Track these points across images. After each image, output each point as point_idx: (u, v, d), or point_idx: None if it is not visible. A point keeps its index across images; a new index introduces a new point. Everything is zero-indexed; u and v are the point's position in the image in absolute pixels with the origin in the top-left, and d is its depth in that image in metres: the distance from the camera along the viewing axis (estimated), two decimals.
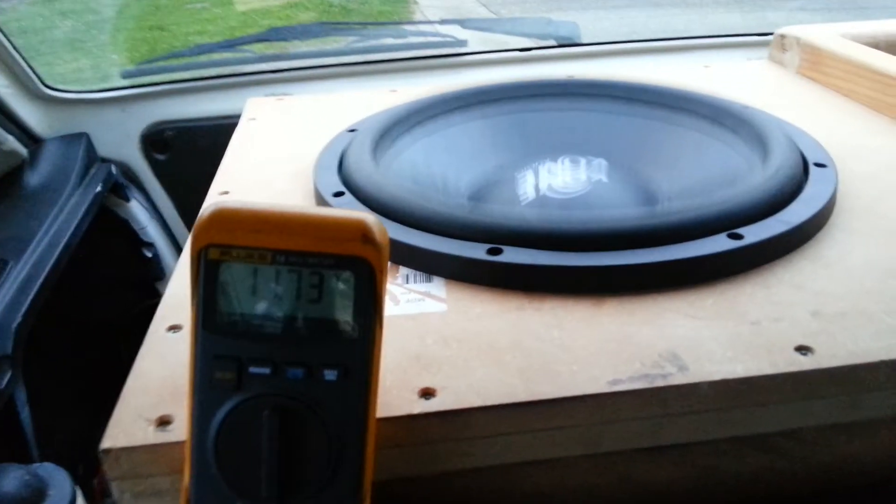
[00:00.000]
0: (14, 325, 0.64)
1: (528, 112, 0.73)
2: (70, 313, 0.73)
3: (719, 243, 0.46)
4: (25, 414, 0.66)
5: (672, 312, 0.43)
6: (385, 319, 0.43)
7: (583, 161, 0.64)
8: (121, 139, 0.93)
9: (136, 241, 0.95)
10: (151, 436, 0.35)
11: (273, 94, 0.88)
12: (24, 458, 0.65)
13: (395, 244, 0.49)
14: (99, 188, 0.85)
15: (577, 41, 0.99)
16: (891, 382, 0.39)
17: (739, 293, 0.44)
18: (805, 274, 0.46)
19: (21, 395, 0.66)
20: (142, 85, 0.93)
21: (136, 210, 0.96)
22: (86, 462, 0.63)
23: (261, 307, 0.33)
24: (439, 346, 0.41)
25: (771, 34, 0.91)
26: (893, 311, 0.42)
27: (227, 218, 0.32)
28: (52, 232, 0.74)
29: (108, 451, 0.35)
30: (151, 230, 0.96)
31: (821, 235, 0.50)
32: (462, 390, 0.37)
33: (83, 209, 0.80)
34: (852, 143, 0.65)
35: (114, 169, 0.90)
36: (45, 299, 0.70)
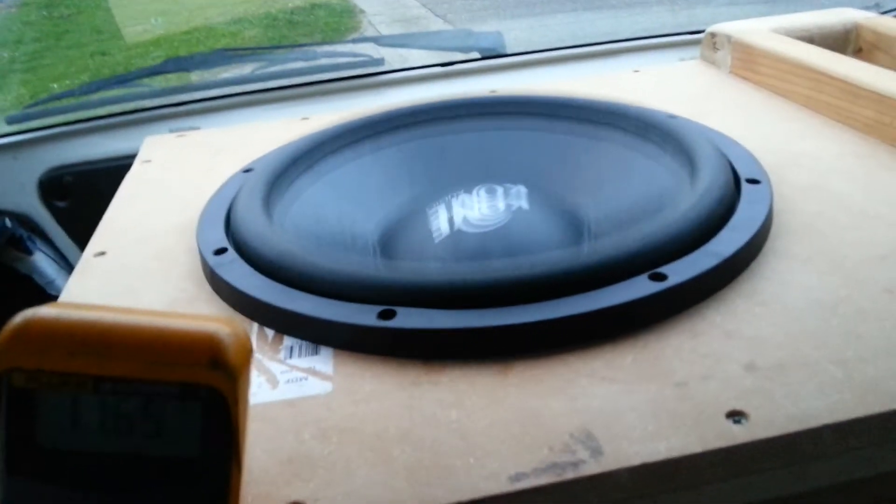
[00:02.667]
0: None
1: (444, 136, 0.67)
2: None
3: (640, 287, 0.41)
4: None
5: (586, 377, 0.37)
6: (258, 409, 0.37)
7: (500, 190, 0.58)
8: (16, 188, 0.85)
9: (43, 296, 0.88)
10: None
11: (178, 129, 0.81)
12: None
13: (278, 312, 0.43)
14: None
15: (502, 52, 0.93)
16: (837, 447, 0.34)
17: (664, 346, 0.39)
18: (738, 316, 0.41)
19: None
20: (33, 129, 0.85)
21: (42, 263, 0.88)
22: None
23: (84, 446, 0.26)
24: (318, 443, 0.35)
25: (702, 32, 0.87)
26: (837, 359, 0.37)
27: (37, 334, 0.26)
28: None
29: None
30: (62, 282, 0.89)
31: (756, 265, 0.45)
32: (334, 499, 0.31)
33: None
34: (788, 149, 0.61)
35: (8, 222, 0.83)
36: None
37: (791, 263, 0.45)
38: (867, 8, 0.86)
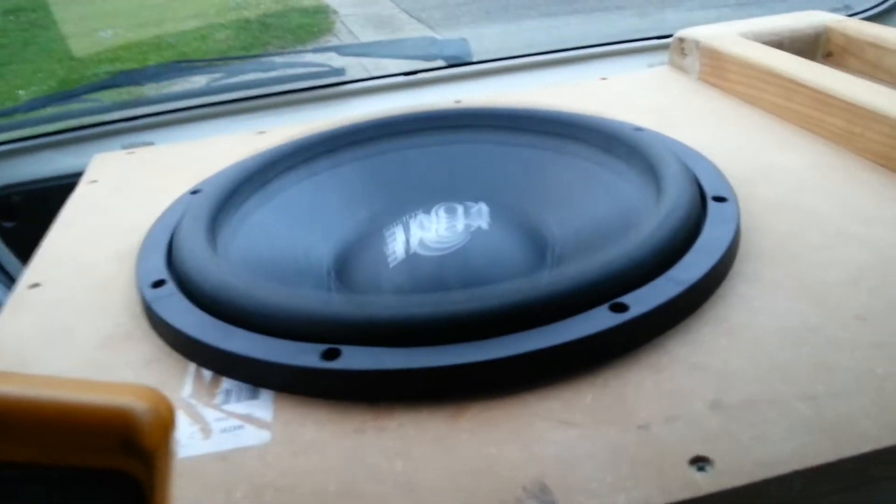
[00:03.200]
0: None
1: (404, 150, 0.64)
2: None
3: (600, 319, 0.38)
4: None
5: (543, 420, 0.35)
6: (187, 464, 0.34)
7: (460, 209, 0.56)
8: None
9: None
10: None
11: (132, 144, 0.78)
12: None
13: (216, 351, 0.40)
14: None
15: (467, 60, 0.91)
16: (806, 493, 0.32)
17: (625, 383, 0.37)
18: (704, 347, 0.39)
19: None
20: None
21: None
22: None
23: None
24: (250, 503, 0.32)
25: (671, 36, 0.85)
26: (807, 395, 0.35)
27: None
28: None
29: None
30: None
31: (722, 290, 0.43)
32: None
33: None
34: (757, 161, 0.59)
35: None
36: None
37: (759, 288, 0.43)
38: (836, 10, 0.84)
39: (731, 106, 0.71)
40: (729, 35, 0.79)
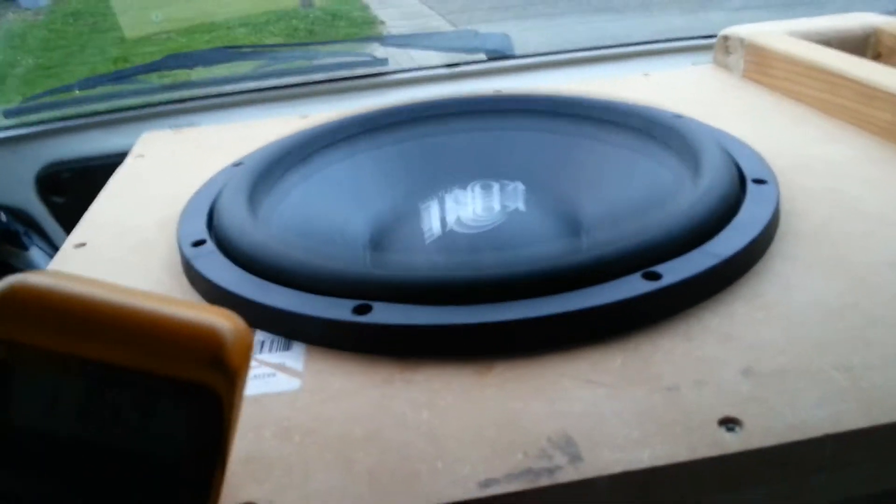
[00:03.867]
0: None
1: (444, 134, 0.65)
2: None
3: (632, 286, 0.38)
4: None
5: (570, 379, 0.35)
6: None
7: (496, 186, 0.56)
8: (13, 183, 0.84)
9: None
10: None
11: (177, 126, 0.79)
12: None
13: (251, 305, 0.40)
14: None
15: (509, 53, 0.91)
16: (839, 460, 0.31)
17: (655, 349, 0.36)
18: (737, 320, 0.38)
19: None
20: (31, 123, 0.84)
21: (38, 258, 0.87)
22: None
23: (62, 431, 0.24)
24: (278, 442, 0.32)
25: (715, 36, 0.84)
26: (843, 366, 0.34)
27: (23, 304, 0.23)
28: None
29: None
30: None
31: (759, 268, 0.43)
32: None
33: None
34: (800, 152, 0.58)
35: (3, 216, 0.82)
36: None
37: (797, 267, 0.43)
38: (888, 13, 0.83)
39: (775, 101, 0.70)
40: (774, 33, 0.78)
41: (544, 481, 0.29)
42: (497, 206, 0.54)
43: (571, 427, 0.32)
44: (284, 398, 0.35)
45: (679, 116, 0.60)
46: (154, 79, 0.87)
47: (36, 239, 0.87)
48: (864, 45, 0.80)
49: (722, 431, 0.31)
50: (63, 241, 0.79)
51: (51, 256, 0.85)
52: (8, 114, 0.86)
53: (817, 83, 0.67)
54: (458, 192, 0.55)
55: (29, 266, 0.86)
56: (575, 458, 0.30)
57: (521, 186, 0.56)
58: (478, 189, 0.55)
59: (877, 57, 0.80)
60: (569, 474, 0.29)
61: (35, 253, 0.86)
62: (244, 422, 0.34)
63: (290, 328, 0.39)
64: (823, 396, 0.32)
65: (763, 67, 0.76)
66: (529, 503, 0.29)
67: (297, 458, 0.31)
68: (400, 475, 0.30)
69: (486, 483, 0.29)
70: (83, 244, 0.53)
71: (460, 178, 0.60)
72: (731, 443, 0.30)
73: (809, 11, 0.86)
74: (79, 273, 0.47)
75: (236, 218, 0.47)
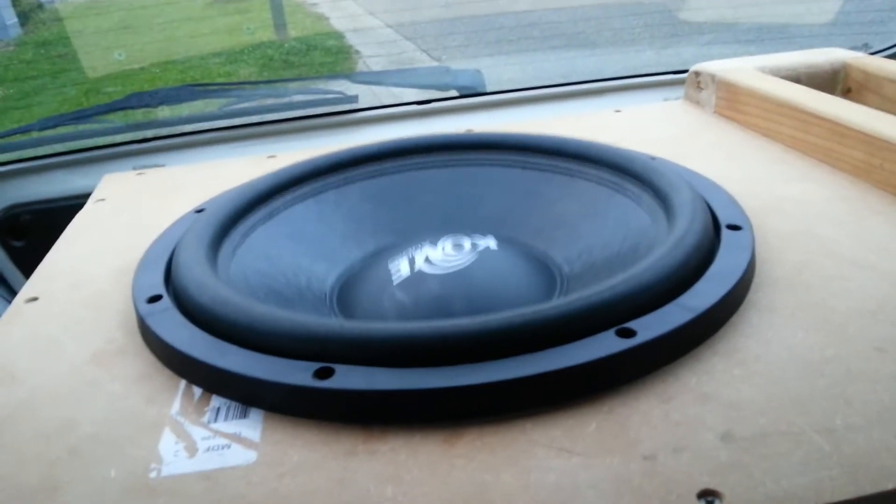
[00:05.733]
0: None
1: (414, 173, 0.63)
2: None
3: (605, 344, 0.37)
4: None
5: (542, 447, 0.33)
6: (169, 482, 0.32)
7: (467, 241, 0.54)
8: None
9: None
10: None
11: (143, 167, 0.77)
12: None
13: (207, 368, 0.38)
14: None
15: (481, 90, 0.90)
16: None
17: (631, 411, 0.35)
18: (715, 377, 0.37)
19: None
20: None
21: None
22: None
23: None
24: None
25: (686, 71, 0.84)
26: (824, 428, 0.33)
27: None
28: None
29: None
30: None
31: (735, 320, 0.41)
32: None
33: None
34: (773, 193, 0.57)
35: None
36: None
37: (774, 318, 0.41)
38: (855, 49, 0.83)
39: (747, 139, 0.70)
40: (745, 69, 0.78)
41: None
42: (468, 246, 0.53)
43: (545, 502, 0.30)
44: (239, 473, 0.33)
45: (653, 158, 0.59)
46: (118, 118, 0.85)
47: None
48: (833, 80, 0.80)
49: None
50: (21, 286, 0.77)
51: (8, 303, 0.82)
52: None
53: (789, 121, 0.67)
54: (427, 248, 0.53)
55: None
56: None
57: (492, 240, 0.54)
58: (448, 245, 0.53)
59: (846, 92, 0.81)
60: None
61: None
62: (195, 499, 0.31)
63: (247, 393, 0.37)
64: (805, 462, 0.31)
65: (735, 104, 0.75)
66: None
67: None
68: None
69: None
70: (35, 298, 0.50)
71: (431, 222, 0.58)
72: None
73: (779, 46, 0.86)
74: (27, 332, 0.45)
75: (194, 272, 0.45)
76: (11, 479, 0.34)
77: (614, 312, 0.38)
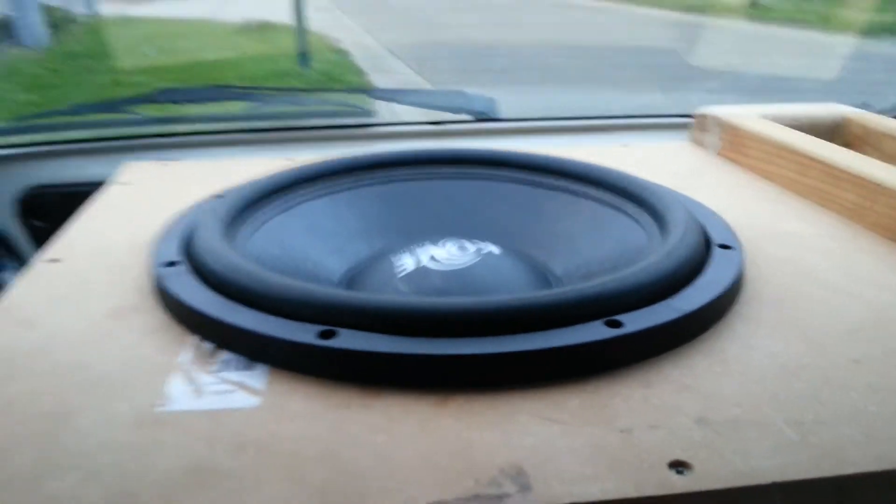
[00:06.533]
0: None
1: (423, 182, 0.66)
2: None
3: (593, 331, 0.39)
4: None
5: (527, 415, 0.35)
6: (174, 417, 0.34)
7: (471, 245, 0.56)
8: None
9: None
10: None
11: (163, 160, 0.80)
12: None
13: (217, 324, 0.41)
14: None
15: (494, 116, 0.94)
16: None
17: (613, 394, 0.37)
18: (696, 372, 0.39)
19: None
20: (16, 145, 0.85)
21: (9, 281, 0.86)
22: None
23: None
24: (229, 455, 0.32)
25: (691, 116, 0.87)
26: (795, 421, 0.35)
27: None
28: None
29: None
30: None
31: (720, 327, 0.44)
32: None
33: None
34: (767, 225, 0.60)
35: None
36: None
37: (758, 329, 0.44)
38: (857, 105, 0.87)
39: (747, 179, 0.73)
40: (749, 115, 0.81)
41: None
42: (472, 249, 0.55)
43: (524, 460, 0.32)
44: (241, 415, 0.35)
45: (652, 184, 0.62)
46: (142, 111, 0.88)
47: (11, 263, 0.86)
48: (833, 132, 0.83)
49: (671, 473, 0.31)
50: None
51: None
52: (12, 129, 0.86)
53: (787, 163, 0.70)
54: (430, 248, 0.56)
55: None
56: (525, 488, 0.30)
57: (494, 248, 0.56)
58: (450, 246, 0.56)
59: (846, 146, 0.84)
60: (516, 502, 0.29)
61: (7, 276, 0.86)
62: (200, 431, 0.33)
63: (254, 349, 0.39)
64: (774, 448, 0.33)
65: (737, 146, 0.78)
66: None
67: (248, 471, 0.31)
68: (350, 492, 0.30)
69: None
70: (56, 260, 0.53)
71: (437, 230, 0.61)
72: (679, 484, 0.31)
73: (782, 98, 0.90)
74: (48, 288, 0.47)
75: (210, 241, 0.47)
76: (27, 403, 0.36)
77: (604, 305, 0.40)
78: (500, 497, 0.30)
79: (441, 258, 0.53)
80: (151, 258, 0.49)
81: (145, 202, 0.65)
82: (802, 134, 0.73)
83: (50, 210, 0.85)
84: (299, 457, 0.32)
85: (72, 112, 0.89)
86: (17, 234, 0.87)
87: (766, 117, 0.81)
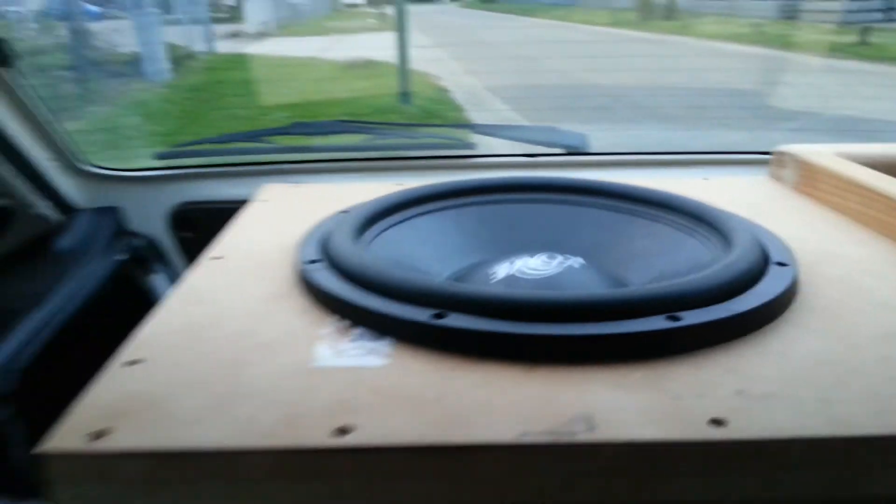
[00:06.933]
0: (20, 367, 0.69)
1: (519, 205, 0.76)
2: (81, 362, 0.77)
3: (655, 323, 0.48)
4: (20, 449, 0.69)
5: (598, 383, 0.44)
6: (324, 370, 0.45)
7: (557, 258, 0.66)
8: (150, 216, 0.99)
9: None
10: (84, 445, 0.38)
11: (292, 183, 0.93)
12: (14, 492, 0.68)
13: (352, 306, 0.52)
14: (121, 257, 0.91)
15: (584, 150, 1.02)
16: (806, 462, 0.39)
17: (670, 371, 0.45)
18: (741, 360, 0.47)
19: (18, 432, 0.69)
20: (172, 167, 1.00)
21: (159, 282, 1.01)
22: None
23: None
24: (367, 394, 0.43)
25: (770, 153, 0.94)
26: (822, 398, 0.42)
27: None
28: (68, 289, 0.80)
29: (42, 455, 0.37)
30: None
31: (769, 329, 0.51)
32: (377, 431, 0.39)
33: (102, 273, 0.86)
34: (828, 249, 0.66)
35: (139, 242, 0.97)
36: (57, 348, 0.74)
37: (803, 333, 0.51)
38: None
39: (818, 211, 0.79)
40: (825, 153, 0.87)
41: (565, 439, 0.38)
42: (557, 261, 0.64)
43: (593, 410, 0.41)
44: (373, 371, 0.46)
45: (724, 211, 0.70)
46: (276, 141, 1.02)
47: (161, 267, 1.01)
48: None
49: (710, 427, 0.40)
50: (183, 271, 0.93)
51: (171, 283, 0.99)
52: (158, 156, 1.02)
53: (854, 196, 0.76)
54: (525, 258, 0.65)
55: (151, 289, 1.00)
56: (591, 427, 0.39)
57: (578, 262, 0.65)
58: (542, 257, 0.65)
59: None
60: (584, 437, 0.38)
61: (159, 278, 1.00)
62: (342, 380, 0.44)
63: (381, 326, 0.50)
64: (801, 413, 0.41)
65: (812, 181, 0.85)
66: (553, 454, 0.38)
67: (381, 405, 0.41)
68: (458, 422, 0.40)
69: (523, 433, 0.39)
70: (220, 257, 0.65)
71: (528, 247, 0.70)
72: (714, 434, 0.39)
73: (861, 139, 0.95)
74: (216, 277, 0.60)
75: (344, 244, 0.59)
76: (212, 356, 0.48)
77: (667, 303, 0.49)
78: (572, 433, 0.39)
79: (530, 268, 0.63)
80: (296, 257, 0.61)
81: (282, 216, 0.78)
82: (870, 170, 0.79)
83: (196, 223, 1.00)
84: (419, 399, 0.42)
85: (219, 140, 1.04)
86: (168, 243, 1.02)
87: (840, 155, 0.87)
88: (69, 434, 0.39)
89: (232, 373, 0.46)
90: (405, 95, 5.17)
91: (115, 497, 0.39)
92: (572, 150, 1.02)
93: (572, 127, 1.06)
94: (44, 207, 0.86)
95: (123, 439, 0.39)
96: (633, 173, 1.02)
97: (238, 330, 0.52)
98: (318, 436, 0.39)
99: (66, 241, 0.87)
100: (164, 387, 0.44)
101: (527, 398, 0.42)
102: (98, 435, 0.39)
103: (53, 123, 0.89)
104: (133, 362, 0.47)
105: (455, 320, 0.48)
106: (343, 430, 0.39)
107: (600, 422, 0.40)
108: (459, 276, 0.66)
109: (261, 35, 8.88)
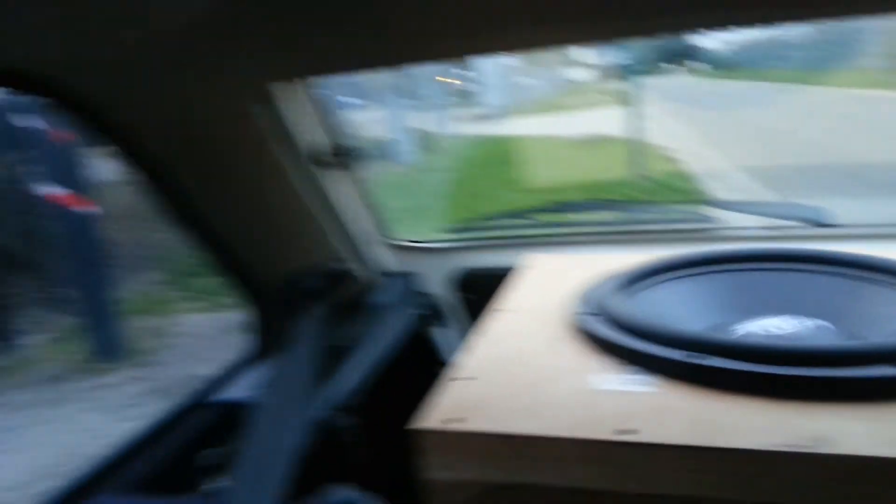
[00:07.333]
0: (350, 390, 0.92)
1: (762, 273, 0.87)
2: (393, 385, 0.98)
3: (883, 370, 0.57)
4: (362, 447, 0.92)
5: (833, 415, 0.55)
6: (605, 392, 0.61)
7: (798, 320, 0.76)
8: (441, 280, 1.22)
9: (439, 361, 1.20)
10: (442, 426, 0.57)
11: (552, 253, 1.11)
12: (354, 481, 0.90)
13: (625, 349, 0.67)
14: (416, 313, 1.13)
15: (824, 223, 1.07)
16: None
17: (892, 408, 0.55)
18: None
19: (360, 435, 0.92)
20: (456, 240, 1.22)
21: (448, 336, 1.22)
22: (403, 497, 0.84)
23: None
24: (641, 409, 0.58)
25: None
26: None
27: None
28: (382, 333, 1.03)
29: (416, 430, 0.57)
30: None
31: None
32: (654, 434, 0.54)
33: (406, 323, 1.08)
34: None
35: (429, 300, 1.19)
36: (376, 376, 0.96)
37: None
38: None
39: None
40: None
41: (806, 450, 0.50)
42: (798, 323, 0.75)
43: (825, 432, 0.52)
44: (644, 395, 0.60)
45: None
46: (538, 217, 1.21)
47: (447, 323, 1.23)
48: None
49: None
50: (465, 326, 1.14)
51: (458, 339, 1.19)
52: (448, 230, 1.25)
53: None
54: (765, 319, 0.77)
55: (440, 341, 1.21)
56: (820, 444, 0.51)
57: (816, 322, 0.75)
58: (781, 320, 0.76)
59: None
60: (818, 449, 0.50)
61: (447, 332, 1.22)
62: (618, 399, 0.59)
63: (650, 365, 0.64)
64: None
65: None
66: (790, 461, 0.50)
67: (651, 415, 0.56)
68: (713, 430, 0.53)
69: (767, 444, 0.51)
70: (505, 310, 0.84)
71: (770, 307, 0.81)
72: None
73: None
74: (502, 326, 0.78)
75: (615, 300, 0.75)
76: (515, 377, 0.66)
77: (893, 355, 0.59)
78: (808, 445, 0.51)
79: (770, 327, 0.74)
80: (572, 311, 0.78)
81: (548, 279, 0.95)
82: None
83: (475, 287, 1.20)
84: (685, 414, 0.56)
85: (494, 217, 1.25)
86: (452, 303, 1.23)
87: None
88: (432, 419, 0.59)
89: (534, 390, 0.63)
90: (636, 168, 5.30)
91: (465, 465, 0.57)
92: (811, 223, 1.08)
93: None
94: (363, 270, 1.11)
95: (473, 424, 0.57)
96: (870, 245, 1.05)
97: (531, 362, 0.69)
98: (604, 433, 0.55)
99: (379, 296, 1.11)
100: (491, 396, 0.62)
101: (771, 421, 0.55)
102: (451, 421, 0.58)
103: (377, 206, 1.14)
104: (469, 378, 0.66)
105: (706, 360, 0.62)
106: (624, 431, 0.55)
107: (832, 441, 0.51)
108: (708, 332, 0.79)
109: (495, 116, 9.48)
